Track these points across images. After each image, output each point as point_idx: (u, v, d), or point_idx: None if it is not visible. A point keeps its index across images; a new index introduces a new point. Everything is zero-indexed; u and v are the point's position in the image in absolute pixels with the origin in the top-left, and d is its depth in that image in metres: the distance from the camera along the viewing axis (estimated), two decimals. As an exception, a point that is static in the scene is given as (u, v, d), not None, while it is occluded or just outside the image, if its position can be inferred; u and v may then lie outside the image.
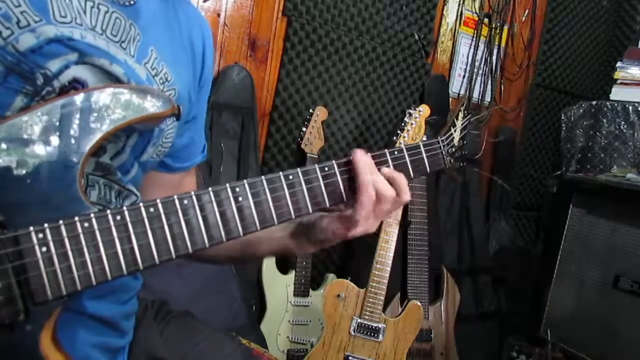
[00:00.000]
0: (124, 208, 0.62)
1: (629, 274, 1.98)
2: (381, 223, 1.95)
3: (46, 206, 0.60)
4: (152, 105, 0.67)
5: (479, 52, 2.77)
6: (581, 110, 2.42)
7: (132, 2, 0.77)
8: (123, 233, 0.61)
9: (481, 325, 2.67)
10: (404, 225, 2.12)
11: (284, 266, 2.17)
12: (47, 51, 0.65)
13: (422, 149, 0.86)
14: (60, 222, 0.58)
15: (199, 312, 1.10)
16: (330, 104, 2.30)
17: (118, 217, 0.61)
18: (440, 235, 2.59)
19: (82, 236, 0.59)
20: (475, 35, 2.74)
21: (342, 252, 2.41)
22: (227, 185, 0.68)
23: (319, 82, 2.25)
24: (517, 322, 2.62)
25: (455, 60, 2.73)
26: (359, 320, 1.92)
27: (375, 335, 1.92)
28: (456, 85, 2.76)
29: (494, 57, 2.80)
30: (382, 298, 1.92)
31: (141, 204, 0.63)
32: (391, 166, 0.82)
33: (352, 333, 1.91)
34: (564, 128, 2.50)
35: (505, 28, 2.83)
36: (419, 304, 1.99)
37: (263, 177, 0.71)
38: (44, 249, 0.57)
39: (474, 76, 2.76)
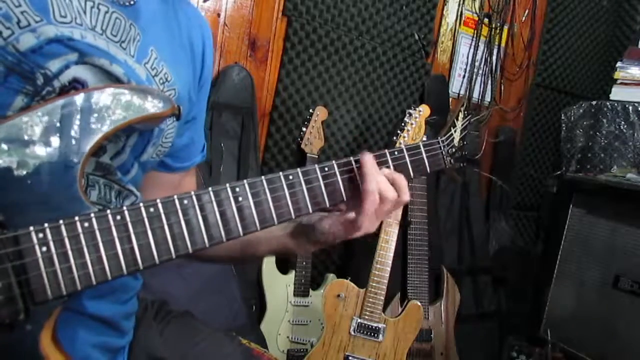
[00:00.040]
0: (124, 208, 0.62)
1: (629, 274, 1.98)
2: (381, 223, 1.95)
3: (46, 206, 0.60)
4: (152, 106, 0.67)
5: (479, 52, 2.77)
6: (581, 110, 2.42)
7: (132, 2, 0.77)
8: (123, 233, 0.61)
9: (481, 325, 2.67)
10: (404, 225, 2.12)
11: (284, 266, 2.17)
12: (47, 51, 0.65)
13: (422, 149, 0.86)
14: (61, 221, 0.58)
15: (199, 312, 1.10)
16: (330, 104, 2.30)
17: (118, 217, 0.61)
18: (440, 235, 2.59)
19: (82, 236, 0.59)
20: (475, 35, 2.74)
21: (342, 252, 2.41)
22: (227, 185, 0.68)
23: (319, 82, 2.26)
24: (517, 322, 2.62)
25: (455, 60, 2.73)
26: (359, 320, 1.92)
27: (375, 335, 1.92)
28: (456, 85, 2.76)
29: (494, 57, 2.80)
30: (382, 298, 1.92)
31: (141, 204, 0.63)
32: (391, 166, 0.82)
33: (352, 333, 1.91)
34: (564, 128, 2.50)
35: (505, 28, 2.83)
36: (419, 304, 1.99)
37: (263, 177, 0.71)
38: (44, 248, 0.57)
39: (474, 76, 2.76)
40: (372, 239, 1.97)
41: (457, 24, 2.69)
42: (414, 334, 1.97)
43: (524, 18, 2.90)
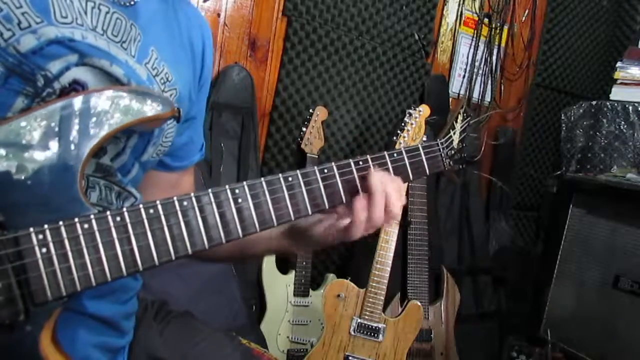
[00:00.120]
0: (124, 209, 0.62)
1: (629, 274, 1.98)
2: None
3: (46, 207, 0.60)
4: (151, 109, 0.67)
5: (479, 52, 2.77)
6: (581, 110, 2.42)
7: (132, 3, 0.77)
8: (123, 234, 0.61)
9: (481, 325, 2.67)
10: (404, 225, 2.12)
11: (284, 266, 2.17)
12: (48, 52, 0.65)
13: (422, 151, 0.86)
14: (60, 223, 0.58)
15: (199, 312, 1.10)
16: (330, 104, 2.30)
17: (118, 219, 0.61)
18: (440, 235, 2.59)
19: (82, 237, 0.59)
20: (475, 35, 2.74)
21: (342, 252, 2.41)
22: (227, 186, 0.68)
23: (319, 82, 2.26)
24: (517, 322, 2.62)
25: (455, 60, 2.73)
26: (359, 320, 1.92)
27: (375, 335, 1.92)
28: (456, 85, 2.76)
29: (494, 57, 2.80)
30: (382, 298, 1.92)
31: (141, 205, 0.63)
32: (390, 168, 0.82)
33: (352, 333, 1.91)
34: (564, 128, 2.50)
35: (505, 28, 2.83)
36: (419, 304, 1.99)
37: (262, 179, 0.71)
38: (44, 249, 0.57)
39: (474, 76, 2.77)
40: (372, 239, 1.97)
41: (457, 24, 2.69)
42: (414, 334, 1.97)
43: (524, 18, 2.90)
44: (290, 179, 0.73)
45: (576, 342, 2.13)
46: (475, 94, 2.79)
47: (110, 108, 0.64)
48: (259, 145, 2.17)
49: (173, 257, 0.64)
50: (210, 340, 0.99)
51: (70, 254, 0.58)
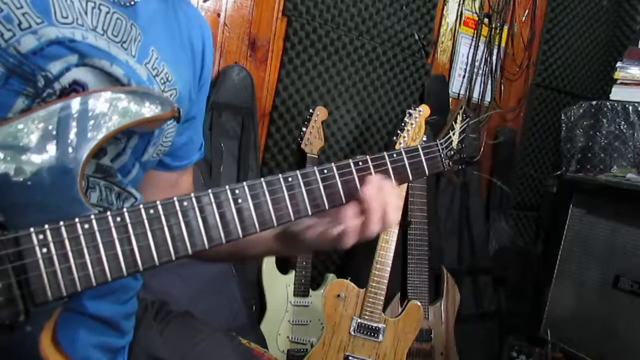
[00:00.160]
0: (124, 209, 0.62)
1: (629, 274, 1.98)
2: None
3: (47, 208, 0.60)
4: (149, 111, 0.67)
5: (479, 52, 2.77)
6: (581, 110, 2.42)
7: (132, 3, 0.77)
8: (123, 234, 0.61)
9: (481, 325, 2.67)
10: (404, 225, 2.12)
11: (284, 266, 2.17)
12: (48, 53, 0.65)
13: (421, 152, 0.86)
14: (61, 223, 0.58)
15: (199, 312, 1.10)
16: (330, 104, 2.30)
17: (118, 219, 0.61)
18: (440, 235, 2.59)
19: (82, 237, 0.59)
20: (475, 35, 2.74)
21: (342, 252, 2.41)
22: (227, 187, 0.68)
23: (319, 82, 2.26)
24: (517, 322, 2.62)
25: (455, 60, 2.73)
26: (359, 320, 1.92)
27: (375, 335, 1.92)
28: (456, 85, 2.76)
29: (494, 57, 2.80)
30: (382, 298, 1.92)
31: (141, 206, 0.63)
32: (390, 169, 0.82)
33: (352, 333, 1.91)
34: (564, 128, 2.50)
35: (505, 28, 2.83)
36: (419, 304, 1.99)
37: (262, 179, 0.71)
38: (45, 249, 0.57)
39: (474, 76, 2.77)
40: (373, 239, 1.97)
41: (457, 24, 2.69)
42: (414, 334, 1.97)
43: (524, 18, 2.90)
44: (290, 179, 0.73)
45: (576, 342, 2.13)
46: (475, 94, 2.79)
47: (109, 110, 0.64)
48: (259, 145, 2.17)
49: (173, 257, 0.64)
50: (210, 340, 0.99)
51: (70, 254, 0.58)
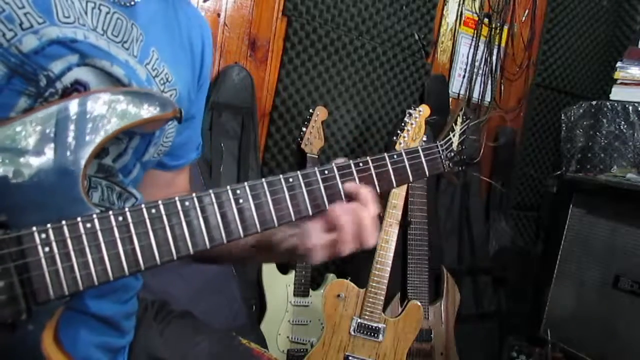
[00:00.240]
0: (126, 209, 0.62)
1: (629, 274, 1.98)
2: (381, 223, 1.96)
3: (49, 208, 0.61)
4: (148, 113, 0.67)
5: (479, 52, 2.77)
6: (581, 110, 2.42)
7: (132, 3, 0.77)
8: (125, 234, 0.61)
9: (481, 325, 2.67)
10: (404, 225, 2.12)
11: (284, 266, 2.17)
12: (49, 53, 0.65)
13: (421, 153, 0.86)
14: (63, 222, 0.59)
15: (199, 312, 1.10)
16: (330, 104, 2.30)
17: (120, 218, 0.61)
18: (440, 235, 2.59)
19: (84, 237, 0.59)
20: (475, 35, 2.74)
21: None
22: (228, 187, 0.69)
23: (319, 82, 2.26)
24: (517, 322, 2.62)
25: (455, 60, 2.73)
26: (359, 320, 1.92)
27: (375, 335, 1.92)
28: (456, 85, 2.76)
29: (494, 57, 2.80)
30: (382, 298, 1.92)
31: (143, 205, 0.63)
32: (390, 170, 0.82)
33: (352, 333, 1.92)
34: (564, 128, 2.50)
35: (505, 28, 2.83)
36: (419, 304, 1.99)
37: (264, 179, 0.71)
38: (47, 248, 0.58)
39: (474, 76, 2.77)
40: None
41: (457, 24, 2.70)
42: (414, 334, 1.97)
43: (524, 18, 2.90)
44: (291, 179, 0.73)
45: (576, 342, 2.13)
46: (475, 94, 2.79)
47: (107, 112, 0.64)
48: (259, 145, 2.17)
49: (175, 257, 0.65)
50: (211, 340, 0.99)
51: (72, 253, 0.59)
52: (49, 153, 0.61)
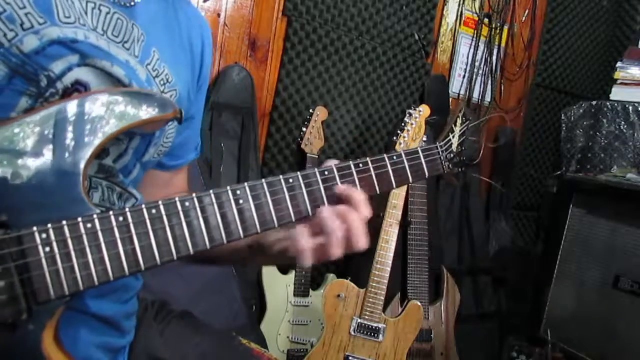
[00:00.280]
0: (126, 209, 0.62)
1: (629, 274, 1.98)
2: (381, 223, 1.96)
3: (49, 209, 0.61)
4: (146, 114, 0.67)
5: (479, 52, 2.77)
6: (581, 110, 2.42)
7: (132, 3, 0.77)
8: (125, 234, 0.62)
9: (481, 325, 2.67)
10: (404, 225, 2.12)
11: (284, 266, 2.17)
12: (50, 53, 0.65)
13: (421, 154, 0.86)
14: (64, 222, 0.59)
15: (199, 312, 1.10)
16: (330, 104, 2.30)
17: (120, 218, 0.62)
18: (440, 235, 2.60)
19: (84, 236, 0.60)
20: (475, 35, 2.75)
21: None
22: (228, 187, 0.69)
23: (319, 82, 2.26)
24: (517, 322, 2.62)
25: (455, 60, 2.73)
26: (359, 320, 1.92)
27: (375, 335, 1.92)
28: (456, 85, 2.76)
29: (494, 57, 2.81)
30: (382, 298, 1.92)
31: (143, 205, 0.63)
32: (390, 171, 0.82)
33: (352, 333, 1.92)
34: (564, 128, 2.50)
35: (505, 28, 2.83)
36: (419, 304, 1.99)
37: (263, 180, 0.71)
38: (47, 248, 0.58)
39: (474, 76, 2.77)
40: (373, 239, 1.97)
41: (457, 24, 2.70)
42: (414, 334, 1.97)
43: (524, 18, 2.90)
44: (291, 180, 0.73)
45: (576, 342, 2.13)
46: (475, 94, 2.79)
47: (105, 114, 0.65)
48: (259, 145, 2.17)
49: (175, 257, 0.65)
50: (210, 340, 0.99)
51: (73, 252, 0.59)
52: (48, 154, 0.61)
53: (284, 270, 2.16)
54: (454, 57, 2.72)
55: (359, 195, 0.75)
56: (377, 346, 1.93)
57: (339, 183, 0.77)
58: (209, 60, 0.95)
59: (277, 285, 2.13)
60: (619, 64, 2.36)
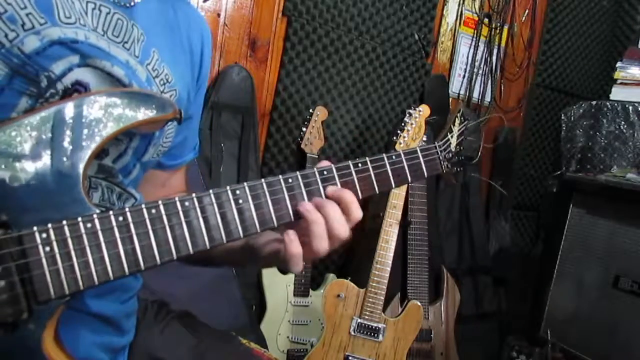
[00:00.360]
0: (126, 209, 0.62)
1: (629, 274, 1.98)
2: (381, 223, 1.96)
3: (49, 210, 0.61)
4: (144, 115, 0.67)
5: (479, 52, 2.77)
6: (581, 110, 2.42)
7: (132, 3, 0.77)
8: (125, 234, 0.62)
9: (481, 326, 2.67)
10: (404, 225, 2.12)
11: (284, 266, 2.17)
12: (50, 53, 0.65)
13: (420, 154, 0.86)
14: (64, 222, 0.59)
15: (199, 312, 1.10)
16: (330, 104, 2.30)
17: (120, 218, 0.62)
18: (440, 235, 2.60)
19: (84, 236, 0.60)
20: (475, 35, 2.75)
21: (342, 252, 2.42)
22: (228, 187, 0.69)
23: (319, 82, 2.26)
24: (517, 322, 2.62)
25: (455, 60, 2.73)
26: (359, 320, 1.92)
27: (375, 335, 1.92)
28: (456, 85, 2.76)
29: (494, 57, 2.81)
30: (382, 298, 1.93)
31: (143, 205, 0.63)
32: (389, 171, 0.82)
33: (352, 333, 1.92)
34: (564, 128, 2.50)
35: (505, 28, 2.83)
36: (419, 304, 1.99)
37: (263, 180, 0.71)
38: (47, 248, 0.58)
39: (474, 76, 2.77)
40: (373, 239, 1.97)
41: (457, 24, 2.70)
42: (414, 334, 1.97)
43: (524, 18, 2.90)
44: (290, 180, 0.73)
45: (576, 343, 2.13)
46: (475, 94, 2.80)
47: (103, 117, 0.65)
48: (259, 145, 2.18)
49: (175, 257, 0.65)
50: (210, 340, 0.99)
51: (73, 252, 0.59)
52: (47, 158, 0.61)
53: (284, 271, 2.16)
54: (454, 57, 2.72)
55: (350, 197, 0.76)
56: (377, 346, 1.93)
57: (338, 183, 0.77)
58: (208, 60, 0.95)
59: (277, 285, 2.13)
60: (619, 64, 2.36)
